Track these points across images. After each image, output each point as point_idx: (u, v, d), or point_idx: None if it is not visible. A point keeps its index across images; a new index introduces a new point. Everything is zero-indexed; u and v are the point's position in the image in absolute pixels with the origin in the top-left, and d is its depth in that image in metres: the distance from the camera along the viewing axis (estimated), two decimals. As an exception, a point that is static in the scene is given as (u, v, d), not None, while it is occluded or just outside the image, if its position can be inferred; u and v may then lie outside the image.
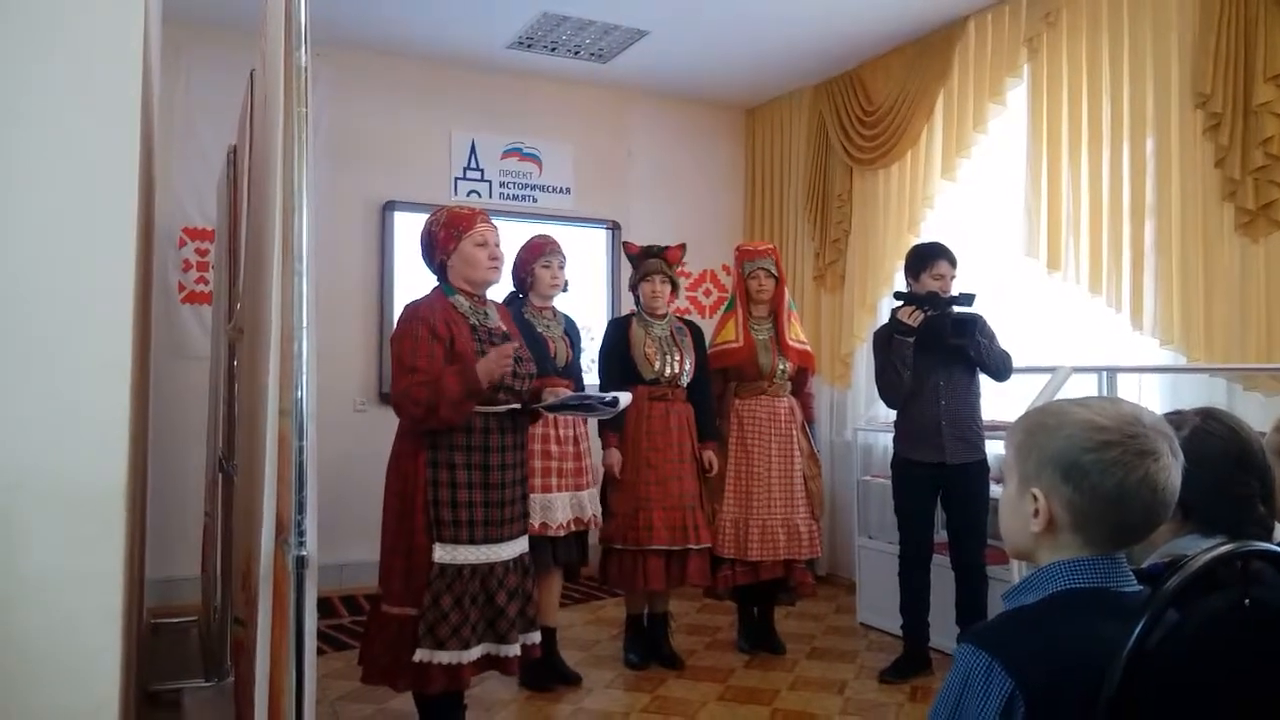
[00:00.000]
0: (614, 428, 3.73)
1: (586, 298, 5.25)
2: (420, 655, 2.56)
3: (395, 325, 2.75)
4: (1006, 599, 1.23)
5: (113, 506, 1.48)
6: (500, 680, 3.54)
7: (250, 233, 2.36)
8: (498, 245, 2.79)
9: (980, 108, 4.43)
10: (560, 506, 3.45)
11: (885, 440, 4.49)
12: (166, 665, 3.60)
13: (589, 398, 2.88)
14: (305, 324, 1.59)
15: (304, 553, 1.54)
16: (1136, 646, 1.03)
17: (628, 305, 4.31)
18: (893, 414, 3.87)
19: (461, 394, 2.54)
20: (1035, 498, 1.18)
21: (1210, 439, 1.40)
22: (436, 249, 2.78)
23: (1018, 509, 1.21)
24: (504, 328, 2.85)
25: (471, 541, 2.62)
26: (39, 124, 1.50)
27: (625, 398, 2.99)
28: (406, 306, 2.77)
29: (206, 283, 4.55)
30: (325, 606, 4.42)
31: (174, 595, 4.33)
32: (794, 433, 3.95)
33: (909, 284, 3.73)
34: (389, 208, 5.00)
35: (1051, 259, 4.07)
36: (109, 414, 1.51)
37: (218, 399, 3.58)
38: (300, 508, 1.55)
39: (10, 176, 1.48)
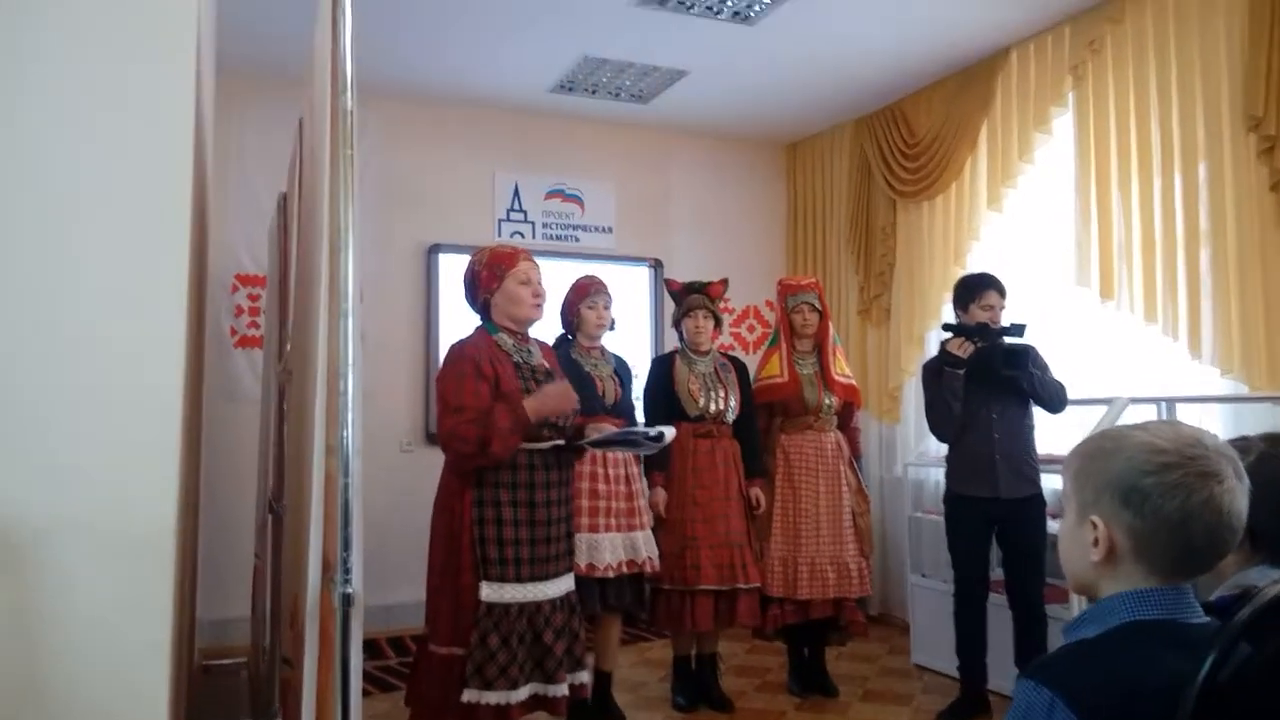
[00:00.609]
0: (660, 467, 3.71)
1: (629, 336, 5.24)
2: (468, 696, 2.54)
3: (440, 365, 2.77)
4: (1067, 633, 1.18)
5: (164, 545, 1.50)
6: (547, 721, 3.50)
7: (299, 276, 2.40)
8: (540, 283, 2.81)
9: (1025, 138, 4.38)
10: (608, 547, 3.41)
11: (937, 475, 4.40)
12: (216, 706, 3.62)
13: (633, 433, 2.87)
14: (351, 362, 1.61)
15: (350, 590, 1.55)
16: (1208, 680, 0.98)
17: (671, 343, 4.31)
18: (943, 449, 3.80)
19: (510, 427, 2.56)
20: (1095, 525, 1.14)
21: (1277, 463, 1.35)
22: (480, 288, 2.80)
23: (1077, 538, 1.17)
24: (547, 365, 2.86)
25: (518, 580, 2.61)
26: (95, 176, 1.54)
27: (670, 432, 2.97)
28: (452, 346, 2.79)
29: (258, 327, 4.64)
30: (372, 648, 4.42)
31: (225, 636, 4.37)
32: (841, 468, 3.89)
33: (958, 315, 3.68)
34: (434, 250, 5.07)
35: (1104, 288, 3.99)
36: (161, 454, 1.53)
37: (268, 441, 3.63)
38: (346, 544, 1.55)
39: (67, 226, 1.52)
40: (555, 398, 2.66)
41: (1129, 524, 1.11)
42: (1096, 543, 1.14)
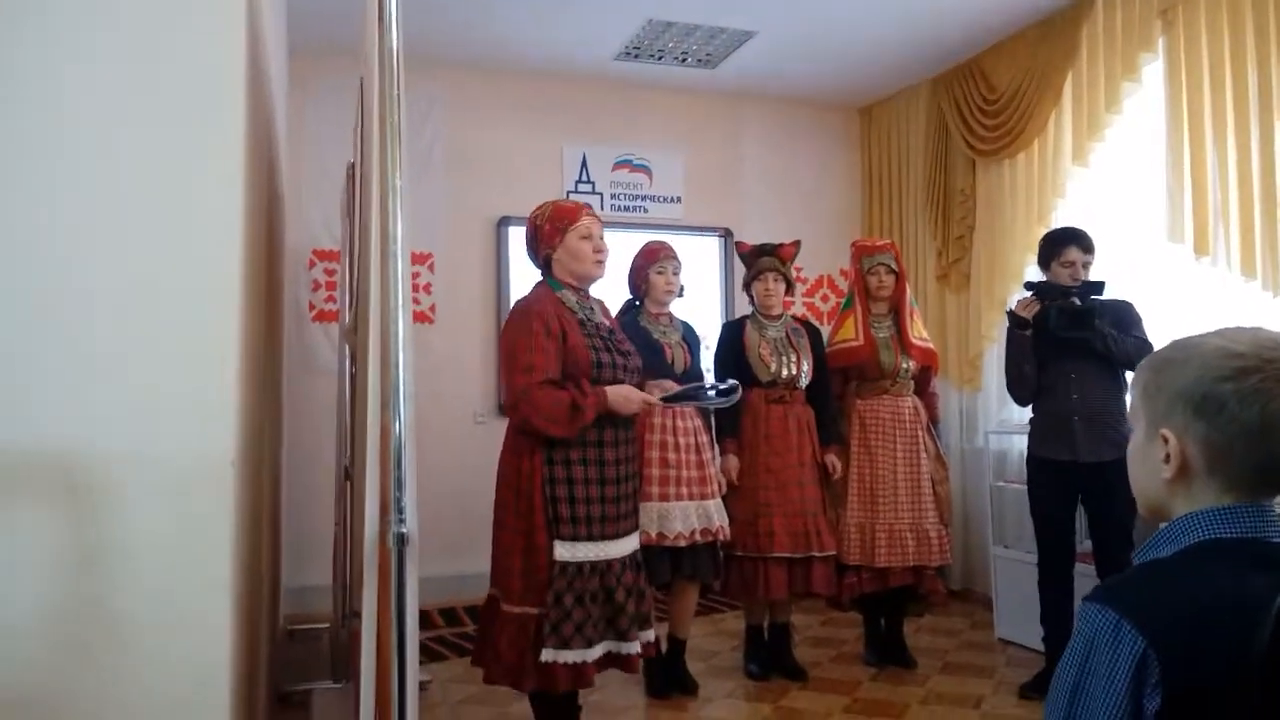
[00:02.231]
0: (732, 433, 3.66)
1: (699, 309, 5.18)
2: (546, 655, 2.53)
3: (506, 322, 2.75)
4: (1138, 556, 1.10)
5: (224, 482, 1.52)
6: (619, 687, 3.50)
7: (360, 230, 2.42)
8: (602, 239, 2.77)
9: (1113, 88, 4.16)
10: (679, 516, 3.37)
11: (1020, 444, 4.24)
12: (299, 669, 3.72)
13: (700, 387, 2.82)
14: (402, 303, 1.60)
15: (404, 530, 1.54)
16: None
17: (741, 314, 4.23)
18: (1025, 416, 3.67)
19: (591, 420, 2.58)
20: (1166, 440, 1.05)
21: None
22: (541, 243, 2.77)
23: (1147, 456, 1.09)
24: (609, 324, 2.83)
25: (590, 538, 2.60)
26: (152, 127, 1.57)
27: (739, 387, 2.94)
28: (518, 303, 2.77)
29: (335, 301, 4.73)
30: (450, 615, 4.49)
31: (309, 603, 4.48)
32: (919, 433, 3.78)
33: (1043, 274, 3.54)
34: (504, 223, 5.09)
35: (1199, 243, 3.77)
36: (220, 391, 1.56)
37: (344, 409, 3.70)
38: (399, 484, 1.55)
39: (120, 173, 1.55)
40: (631, 401, 2.67)
41: (1204, 435, 1.03)
42: (1168, 459, 1.06)
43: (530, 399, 2.54)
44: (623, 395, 2.63)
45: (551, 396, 2.55)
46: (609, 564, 2.63)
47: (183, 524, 1.44)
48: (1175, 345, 1.09)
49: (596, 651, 2.59)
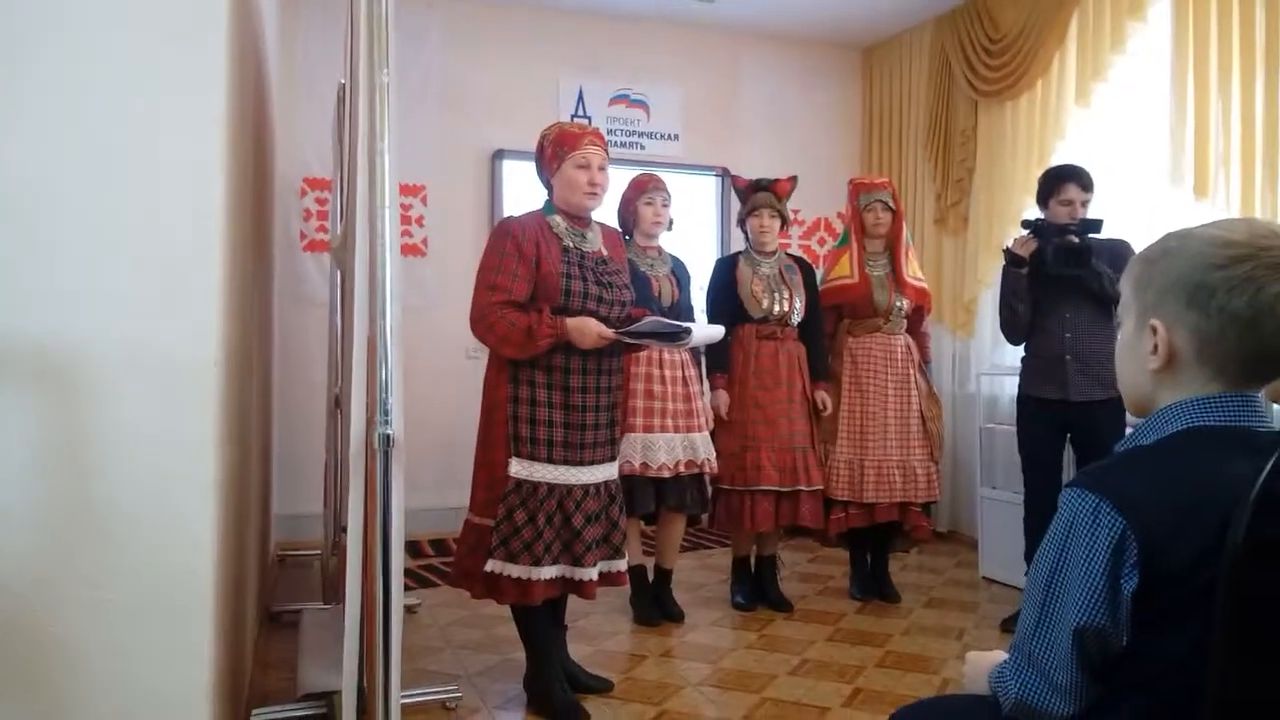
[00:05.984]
0: (721, 368, 3.66)
1: (695, 246, 5.14)
2: (492, 565, 2.56)
3: (489, 236, 2.74)
4: (1121, 446, 1.10)
5: (206, 377, 1.51)
6: (606, 614, 3.54)
7: (350, 143, 2.38)
8: (602, 169, 2.70)
9: (1119, 27, 4.10)
10: (663, 447, 3.38)
11: (1011, 387, 4.24)
12: (289, 591, 3.75)
13: (663, 324, 2.71)
14: (388, 203, 1.58)
15: (390, 431, 1.54)
16: (1266, 485, 0.90)
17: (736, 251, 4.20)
18: (1018, 358, 3.66)
19: (547, 346, 2.55)
20: (1155, 330, 1.05)
21: None
22: (544, 165, 2.75)
23: (1135, 348, 1.09)
24: (604, 252, 2.79)
25: (550, 460, 2.60)
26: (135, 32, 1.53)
27: (705, 331, 2.88)
28: (499, 222, 2.76)
29: (326, 230, 4.68)
30: (441, 547, 4.52)
31: (300, 531, 4.50)
32: (911, 372, 3.79)
33: (1041, 212, 3.51)
34: (498, 156, 5.02)
35: (1199, 186, 3.74)
36: (203, 287, 1.55)
37: (336, 340, 3.68)
38: (385, 387, 1.55)
39: (103, 59, 1.51)
40: (586, 335, 2.58)
41: (1194, 324, 1.02)
42: (1156, 350, 1.05)
43: (487, 319, 2.57)
44: (579, 328, 2.58)
45: (508, 319, 2.55)
46: (569, 489, 2.62)
47: (167, 418, 1.43)
48: (1169, 236, 1.08)
49: (546, 572, 2.59)
